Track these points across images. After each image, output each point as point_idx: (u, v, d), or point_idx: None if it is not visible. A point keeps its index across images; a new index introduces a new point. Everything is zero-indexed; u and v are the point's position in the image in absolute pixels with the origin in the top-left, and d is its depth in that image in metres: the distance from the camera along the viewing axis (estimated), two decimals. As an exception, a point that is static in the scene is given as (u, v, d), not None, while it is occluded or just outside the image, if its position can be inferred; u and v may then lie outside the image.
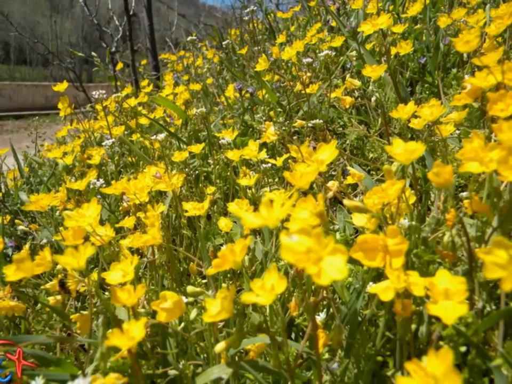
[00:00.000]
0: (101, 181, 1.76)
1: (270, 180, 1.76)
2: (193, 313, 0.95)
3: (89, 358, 1.00)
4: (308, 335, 0.82)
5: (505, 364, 0.71)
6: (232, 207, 1.26)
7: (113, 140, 2.04)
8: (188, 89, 2.96)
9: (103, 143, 2.03)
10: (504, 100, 0.85)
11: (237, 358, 0.94)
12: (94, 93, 2.18)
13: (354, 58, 2.31)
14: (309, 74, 2.28)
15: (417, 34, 2.52)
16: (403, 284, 0.68)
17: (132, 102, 2.74)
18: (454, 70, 2.07)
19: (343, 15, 3.06)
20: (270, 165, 1.65)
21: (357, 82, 1.91)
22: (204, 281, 1.39)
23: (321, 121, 1.84)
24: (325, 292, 0.90)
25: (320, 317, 1.00)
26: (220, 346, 0.80)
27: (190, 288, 0.94)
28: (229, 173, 1.98)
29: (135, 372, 0.84)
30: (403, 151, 0.82)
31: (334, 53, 2.16)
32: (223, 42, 4.04)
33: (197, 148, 1.84)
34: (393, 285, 0.68)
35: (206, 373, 0.89)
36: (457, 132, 1.43)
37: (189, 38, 3.57)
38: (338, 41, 2.32)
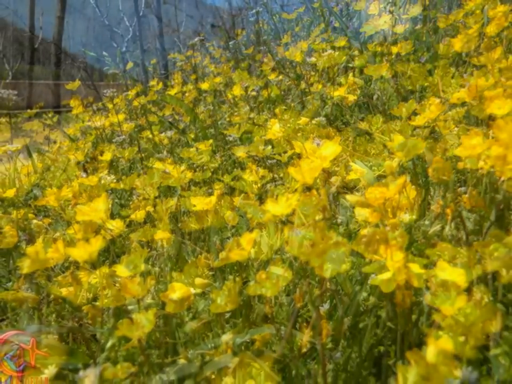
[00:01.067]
0: (112, 176, 1.79)
1: (275, 176, 1.78)
2: (201, 304, 0.97)
3: (101, 347, 1.03)
4: (311, 325, 0.83)
5: (503, 353, 0.73)
6: (239, 201, 1.27)
7: (124, 136, 2.06)
8: (196, 87, 2.98)
9: (114, 140, 2.06)
10: (502, 98, 0.87)
11: (243, 348, 0.96)
12: (105, 91, 2.21)
13: (357, 58, 2.32)
14: (312, 73, 2.30)
15: (418, 34, 2.52)
16: (404, 276, 0.68)
17: (142, 100, 2.77)
18: (453, 69, 2.07)
19: (346, 16, 3.08)
20: (275, 161, 1.67)
21: (359, 81, 1.92)
22: (211, 273, 1.41)
23: (324, 118, 1.85)
24: (328, 283, 0.91)
25: (324, 308, 1.01)
26: (226, 336, 0.82)
27: (197, 280, 0.96)
28: (235, 169, 2.00)
29: (145, 361, 0.87)
30: (404, 147, 0.84)
31: (337, 53, 2.17)
32: (230, 43, 4.06)
33: (204, 145, 1.86)
34: (394, 276, 0.69)
35: (213, 362, 0.91)
36: (456, 129, 1.44)
37: (197, 39, 3.59)
38: (341, 41, 2.33)
